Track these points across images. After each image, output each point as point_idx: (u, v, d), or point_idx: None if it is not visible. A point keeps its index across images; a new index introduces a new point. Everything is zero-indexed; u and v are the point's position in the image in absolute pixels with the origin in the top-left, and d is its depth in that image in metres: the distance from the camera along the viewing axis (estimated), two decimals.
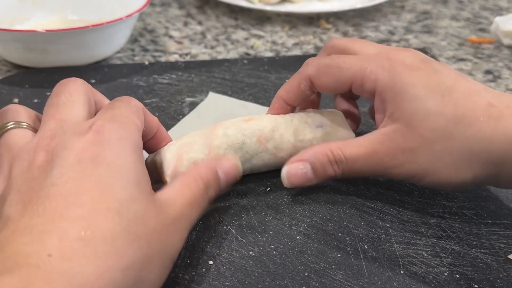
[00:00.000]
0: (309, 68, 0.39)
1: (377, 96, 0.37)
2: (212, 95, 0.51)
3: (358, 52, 0.40)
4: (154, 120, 0.36)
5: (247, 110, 0.50)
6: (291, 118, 0.40)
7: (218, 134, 0.38)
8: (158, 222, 0.28)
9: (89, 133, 0.29)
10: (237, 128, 0.38)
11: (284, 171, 0.37)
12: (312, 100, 0.43)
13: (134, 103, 0.34)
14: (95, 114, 0.33)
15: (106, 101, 0.35)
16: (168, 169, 0.36)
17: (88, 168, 0.27)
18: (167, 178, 0.36)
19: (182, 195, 0.31)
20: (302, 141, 0.39)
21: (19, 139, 0.31)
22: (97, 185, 0.26)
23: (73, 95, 0.32)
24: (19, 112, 0.33)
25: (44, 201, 0.26)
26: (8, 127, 0.32)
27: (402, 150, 0.35)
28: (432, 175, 0.35)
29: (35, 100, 0.51)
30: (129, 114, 0.32)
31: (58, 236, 0.24)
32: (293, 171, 0.37)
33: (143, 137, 0.35)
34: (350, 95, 0.44)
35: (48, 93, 0.52)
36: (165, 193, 0.30)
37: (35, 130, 0.32)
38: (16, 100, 0.51)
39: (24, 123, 0.32)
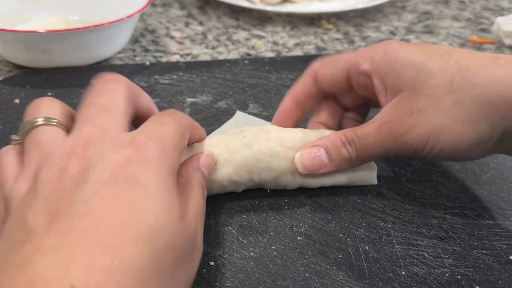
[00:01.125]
0: (314, 64, 0.41)
1: (374, 76, 0.37)
2: (239, 114, 0.50)
3: None
4: (198, 135, 0.36)
5: None
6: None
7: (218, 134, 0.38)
8: (184, 250, 0.27)
9: (129, 148, 0.27)
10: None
11: (297, 155, 0.37)
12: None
13: (184, 123, 0.32)
14: (137, 119, 0.32)
15: (151, 105, 0.34)
16: None
17: (123, 188, 0.25)
18: None
19: (192, 207, 0.29)
20: (311, 136, 0.39)
21: (51, 138, 0.28)
22: (130, 208, 0.25)
23: (116, 98, 0.30)
24: (52, 108, 0.30)
25: (73, 219, 0.24)
26: (38, 123, 0.29)
27: (411, 113, 0.34)
28: (447, 134, 0.34)
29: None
30: (175, 136, 0.30)
31: (84, 264, 0.22)
32: (306, 155, 0.37)
33: None
34: (358, 108, 0.44)
35: (49, 93, 0.52)
36: (184, 212, 0.28)
37: (66, 128, 0.30)
38: (17, 101, 0.51)
39: (54, 120, 0.29)
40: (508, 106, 0.32)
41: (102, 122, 0.28)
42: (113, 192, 0.25)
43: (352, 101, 0.42)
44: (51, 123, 0.29)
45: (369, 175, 0.40)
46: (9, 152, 0.30)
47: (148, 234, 0.24)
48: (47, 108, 0.30)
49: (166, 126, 0.30)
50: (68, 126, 0.30)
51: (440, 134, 0.34)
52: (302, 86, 0.41)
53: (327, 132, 0.39)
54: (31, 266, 0.22)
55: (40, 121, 0.29)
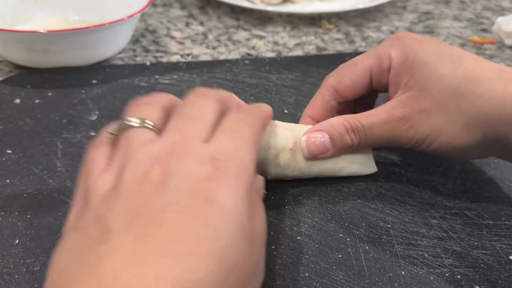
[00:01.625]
0: (328, 78, 0.42)
1: (392, 70, 0.39)
2: None
3: None
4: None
5: None
6: None
7: None
8: (249, 273, 0.26)
9: (209, 165, 0.27)
10: None
11: (303, 139, 0.39)
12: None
13: (258, 127, 0.32)
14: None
15: (233, 98, 0.34)
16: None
17: (200, 204, 0.25)
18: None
19: (259, 228, 0.29)
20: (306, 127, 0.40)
21: (141, 140, 0.29)
22: (205, 225, 0.25)
23: (206, 111, 0.31)
24: (152, 109, 0.31)
25: (149, 226, 0.24)
26: (134, 124, 0.30)
27: (417, 112, 0.37)
28: (444, 135, 0.36)
29: (37, 101, 0.51)
30: (250, 146, 0.30)
31: (155, 273, 0.23)
32: (312, 139, 0.39)
33: None
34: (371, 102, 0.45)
35: (50, 93, 0.52)
36: (253, 230, 0.28)
37: (161, 132, 0.30)
38: (17, 101, 0.51)
39: (150, 124, 0.30)
40: (502, 120, 0.35)
41: (188, 130, 0.29)
42: (190, 206, 0.25)
43: (367, 97, 0.44)
44: (147, 125, 0.30)
45: (367, 159, 0.41)
46: (103, 145, 0.30)
47: (218, 253, 0.24)
48: (147, 109, 0.31)
49: (242, 136, 0.30)
50: (164, 129, 0.30)
51: (438, 135, 0.37)
52: (320, 103, 0.42)
53: None
54: (104, 266, 0.23)
55: (137, 122, 0.30)
